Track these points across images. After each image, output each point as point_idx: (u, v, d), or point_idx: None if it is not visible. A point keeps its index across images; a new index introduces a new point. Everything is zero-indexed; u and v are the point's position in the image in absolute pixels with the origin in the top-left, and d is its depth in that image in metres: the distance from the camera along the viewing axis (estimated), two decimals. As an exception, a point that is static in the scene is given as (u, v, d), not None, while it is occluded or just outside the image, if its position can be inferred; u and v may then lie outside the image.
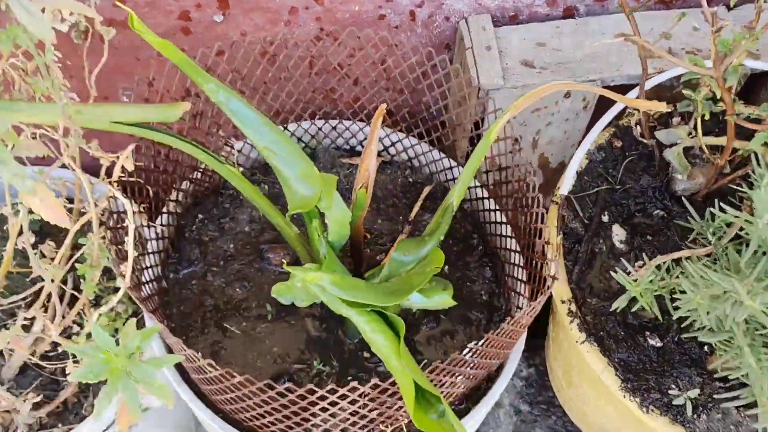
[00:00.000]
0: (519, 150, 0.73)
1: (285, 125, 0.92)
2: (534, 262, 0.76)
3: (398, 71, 0.86)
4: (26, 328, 0.85)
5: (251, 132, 0.61)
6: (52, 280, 0.72)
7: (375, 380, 0.61)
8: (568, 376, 0.90)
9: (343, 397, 0.63)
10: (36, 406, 0.89)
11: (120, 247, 0.70)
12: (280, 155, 0.61)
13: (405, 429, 0.73)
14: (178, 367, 0.81)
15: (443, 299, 0.63)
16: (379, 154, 1.01)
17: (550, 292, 0.71)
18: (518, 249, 0.84)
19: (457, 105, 0.83)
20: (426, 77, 0.85)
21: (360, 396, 0.63)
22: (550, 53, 0.83)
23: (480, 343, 0.64)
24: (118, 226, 0.72)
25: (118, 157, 0.66)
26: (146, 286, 0.79)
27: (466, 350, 0.64)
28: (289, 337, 0.83)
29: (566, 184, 0.79)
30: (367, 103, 0.91)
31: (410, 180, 0.99)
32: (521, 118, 0.86)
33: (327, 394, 0.61)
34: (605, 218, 0.81)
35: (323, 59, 0.86)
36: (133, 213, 0.67)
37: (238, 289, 0.87)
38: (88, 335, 0.78)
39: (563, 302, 0.76)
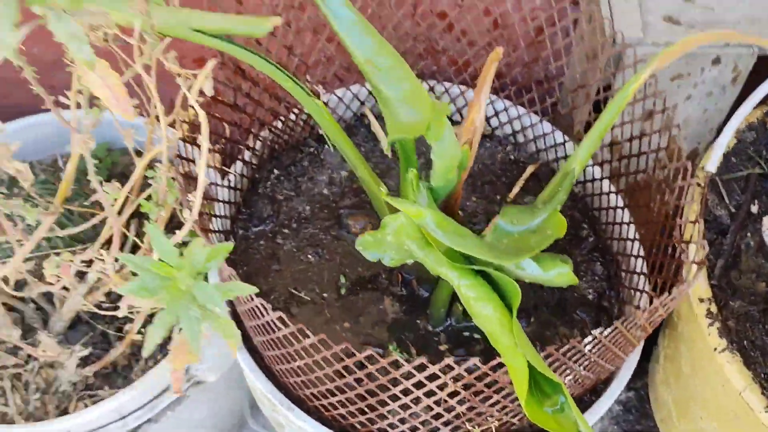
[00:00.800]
0: (663, 111, 0.61)
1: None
2: (666, 249, 0.63)
3: (513, 21, 0.76)
4: (82, 275, 0.78)
5: (350, 40, 0.51)
6: (119, 212, 0.64)
7: (474, 360, 0.49)
8: (683, 406, 0.75)
9: (432, 377, 0.51)
10: (83, 363, 0.81)
11: (190, 181, 0.61)
12: (382, 70, 0.51)
13: None
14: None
15: (563, 273, 0.51)
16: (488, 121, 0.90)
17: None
18: (639, 237, 0.72)
19: (583, 61, 0.72)
20: (547, 27, 0.74)
21: (452, 379, 0.51)
22: (700, 11, 0.70)
23: (607, 332, 0.52)
24: (191, 159, 0.63)
25: (196, 75, 0.57)
26: (213, 236, 0.70)
27: (588, 339, 0.52)
28: (362, 315, 0.73)
29: (712, 162, 0.66)
30: (473, 59, 0.81)
31: (511, 157, 0.88)
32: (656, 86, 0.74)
33: (414, 371, 0.50)
34: (755, 208, 0.67)
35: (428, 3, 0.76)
36: (207, 149, 0.59)
37: (310, 256, 0.77)
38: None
39: (701, 301, 0.62)
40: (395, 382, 0.53)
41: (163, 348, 0.85)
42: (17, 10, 0.39)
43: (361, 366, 0.52)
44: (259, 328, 0.57)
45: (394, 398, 0.55)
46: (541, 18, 0.72)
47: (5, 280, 0.74)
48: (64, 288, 0.77)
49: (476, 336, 0.71)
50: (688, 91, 0.73)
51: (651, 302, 0.65)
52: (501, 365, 0.48)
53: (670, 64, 0.60)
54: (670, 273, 0.61)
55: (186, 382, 0.84)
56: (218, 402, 0.97)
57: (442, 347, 0.71)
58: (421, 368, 0.50)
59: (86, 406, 0.81)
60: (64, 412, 0.81)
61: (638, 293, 0.69)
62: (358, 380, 0.53)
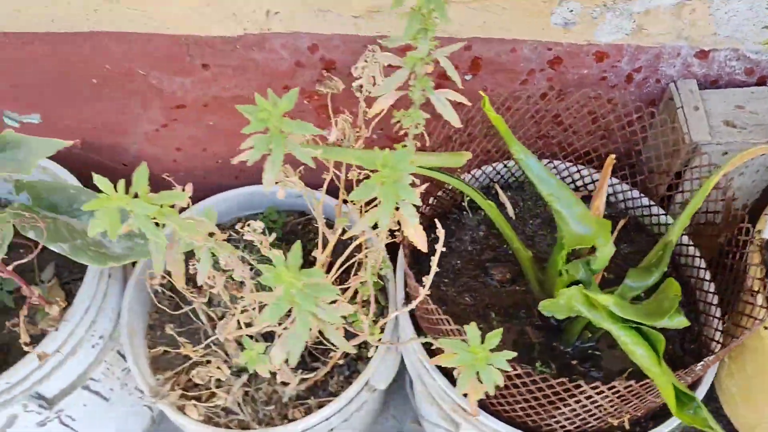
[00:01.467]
0: (733, 199, 0.89)
1: (505, 161, 1.10)
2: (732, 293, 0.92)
3: (607, 121, 1.04)
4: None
5: (539, 182, 0.80)
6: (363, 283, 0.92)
7: (622, 383, 0.79)
8: (746, 396, 1.03)
9: (600, 392, 0.81)
10: (300, 382, 1.11)
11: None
12: (561, 200, 0.79)
13: (626, 423, 0.91)
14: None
15: (681, 321, 0.79)
16: (577, 189, 1.18)
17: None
18: (710, 278, 1.00)
19: (663, 154, 1.00)
20: (631, 126, 1.02)
21: (613, 393, 0.81)
22: (747, 115, 0.98)
23: (699, 365, 0.80)
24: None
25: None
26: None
27: (702, 362, 0.81)
28: (512, 342, 1.01)
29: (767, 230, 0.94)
30: (576, 143, 1.09)
31: (605, 212, 1.16)
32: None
33: (589, 390, 0.79)
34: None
35: (546, 111, 1.04)
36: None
37: (467, 298, 1.06)
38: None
39: (766, 329, 0.91)
40: (569, 393, 0.82)
41: (351, 366, 1.15)
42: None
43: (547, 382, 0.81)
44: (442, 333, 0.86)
45: (565, 403, 0.85)
46: (631, 117, 1.01)
47: (248, 324, 1.03)
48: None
49: (597, 353, 1.01)
50: (741, 170, 1.01)
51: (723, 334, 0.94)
52: (648, 384, 0.77)
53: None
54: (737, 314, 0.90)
55: (371, 391, 1.13)
56: (378, 403, 1.28)
57: (573, 362, 1.00)
58: (594, 387, 0.79)
59: (301, 413, 1.10)
60: (285, 417, 1.10)
61: (716, 332, 0.98)
62: (539, 389, 0.82)
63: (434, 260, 0.80)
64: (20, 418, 1.11)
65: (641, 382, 0.80)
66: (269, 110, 0.61)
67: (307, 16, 0.93)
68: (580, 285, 0.82)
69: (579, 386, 0.80)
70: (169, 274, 0.69)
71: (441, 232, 0.78)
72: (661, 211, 1.07)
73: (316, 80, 1.03)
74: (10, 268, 0.83)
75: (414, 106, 0.69)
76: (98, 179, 0.50)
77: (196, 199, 1.10)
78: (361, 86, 0.89)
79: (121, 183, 0.55)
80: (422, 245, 0.72)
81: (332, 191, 1.01)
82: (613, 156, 0.95)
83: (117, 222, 0.49)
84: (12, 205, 0.94)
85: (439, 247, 0.82)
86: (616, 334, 0.78)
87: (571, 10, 0.90)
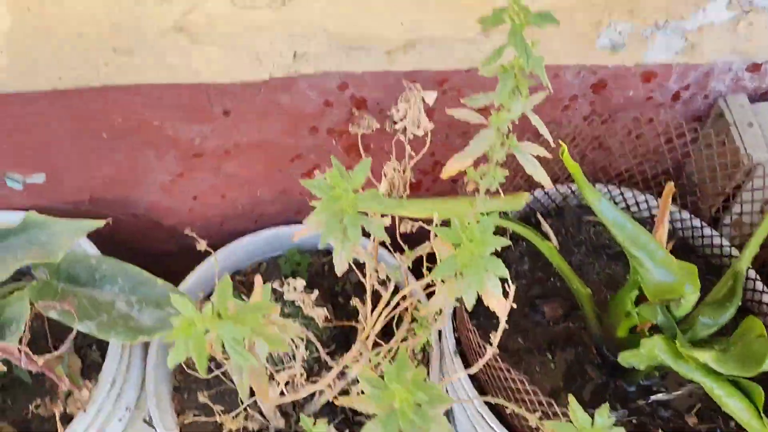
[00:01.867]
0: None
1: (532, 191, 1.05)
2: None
3: (650, 140, 0.99)
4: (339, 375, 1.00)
5: (613, 226, 0.74)
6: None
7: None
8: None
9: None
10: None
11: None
12: (640, 246, 0.73)
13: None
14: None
15: (772, 364, 0.74)
16: (629, 209, 1.13)
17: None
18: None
19: (714, 173, 0.95)
20: (675, 144, 0.97)
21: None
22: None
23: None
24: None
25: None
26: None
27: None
28: (575, 380, 0.96)
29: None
30: (614, 167, 1.04)
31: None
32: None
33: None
34: None
35: (587, 133, 0.98)
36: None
37: (519, 339, 1.00)
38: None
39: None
40: None
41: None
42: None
43: None
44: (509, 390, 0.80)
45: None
46: (670, 134, 0.96)
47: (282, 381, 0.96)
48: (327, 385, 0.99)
49: (662, 391, 0.95)
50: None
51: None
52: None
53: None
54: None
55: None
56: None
57: (640, 402, 0.94)
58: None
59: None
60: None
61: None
62: None
63: (503, 316, 0.74)
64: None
65: (741, 429, 0.75)
66: (343, 187, 0.54)
67: (336, 55, 0.87)
68: (661, 334, 0.77)
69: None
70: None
71: (511, 288, 0.72)
72: (714, 233, 1.01)
73: (346, 119, 0.97)
74: (40, 362, 0.75)
75: (491, 163, 0.63)
76: (176, 300, 0.43)
77: (212, 246, 1.04)
78: (405, 129, 0.83)
79: (207, 307, 0.47)
80: (503, 314, 0.66)
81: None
82: (671, 184, 0.89)
83: (204, 348, 0.43)
84: (32, 285, 0.85)
85: (509, 303, 0.76)
86: (708, 387, 0.72)
87: (620, 32, 0.84)
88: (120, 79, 0.88)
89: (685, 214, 1.04)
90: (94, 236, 1.06)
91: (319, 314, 0.90)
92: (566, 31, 0.84)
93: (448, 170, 0.64)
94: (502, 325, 0.64)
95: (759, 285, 0.94)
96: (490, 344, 0.78)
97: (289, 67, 0.87)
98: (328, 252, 1.23)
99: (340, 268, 0.60)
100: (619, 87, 0.93)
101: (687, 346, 0.70)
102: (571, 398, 0.63)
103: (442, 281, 0.64)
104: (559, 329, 1.01)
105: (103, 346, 1.10)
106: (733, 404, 0.70)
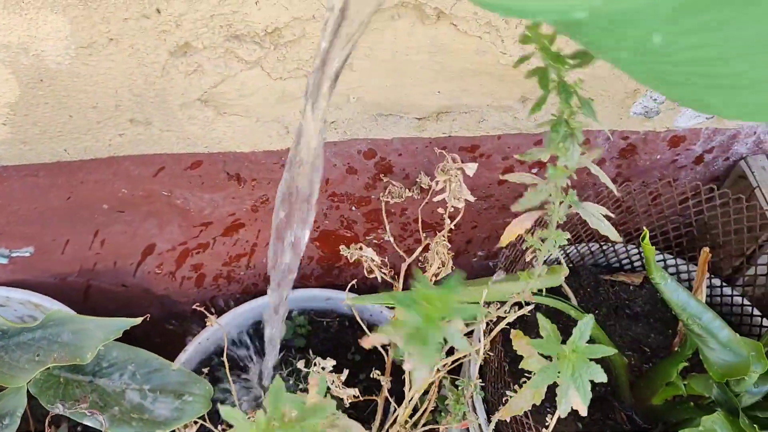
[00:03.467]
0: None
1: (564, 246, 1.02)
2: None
3: (670, 201, 0.98)
4: None
5: (677, 306, 0.72)
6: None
7: None
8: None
9: None
10: None
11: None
12: (704, 325, 0.72)
13: None
14: None
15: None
16: (634, 270, 1.12)
17: None
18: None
19: (737, 234, 0.96)
20: (696, 205, 0.98)
21: None
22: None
23: None
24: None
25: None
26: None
27: None
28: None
29: None
30: (632, 228, 1.03)
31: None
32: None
33: None
34: None
35: (607, 196, 0.97)
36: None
37: (546, 403, 0.97)
38: None
39: None
40: None
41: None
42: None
43: None
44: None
45: None
46: (688, 194, 0.96)
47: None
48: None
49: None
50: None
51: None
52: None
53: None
54: None
55: None
56: None
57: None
58: None
59: None
60: None
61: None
62: None
63: (583, 412, 0.71)
64: None
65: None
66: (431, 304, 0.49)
67: (365, 123, 0.83)
68: (719, 408, 0.75)
69: None
70: None
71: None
72: (735, 292, 1.02)
73: (368, 185, 0.92)
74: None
75: (551, 225, 0.60)
76: (228, 413, 0.37)
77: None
78: (445, 201, 0.79)
79: (259, 416, 0.42)
80: (584, 411, 0.63)
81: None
82: (707, 250, 0.89)
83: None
84: (35, 378, 0.77)
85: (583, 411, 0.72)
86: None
87: (655, 99, 0.84)
88: (131, 150, 0.81)
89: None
90: (66, 302, 0.98)
91: (349, 395, 0.84)
92: (602, 99, 0.83)
93: (507, 237, 0.61)
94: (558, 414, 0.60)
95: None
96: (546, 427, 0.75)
97: (317, 135, 0.82)
98: (334, 312, 1.17)
99: (418, 385, 0.55)
100: (647, 151, 0.92)
101: (751, 425, 0.68)
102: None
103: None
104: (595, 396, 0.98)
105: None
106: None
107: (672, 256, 1.05)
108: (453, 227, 0.85)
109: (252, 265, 1.08)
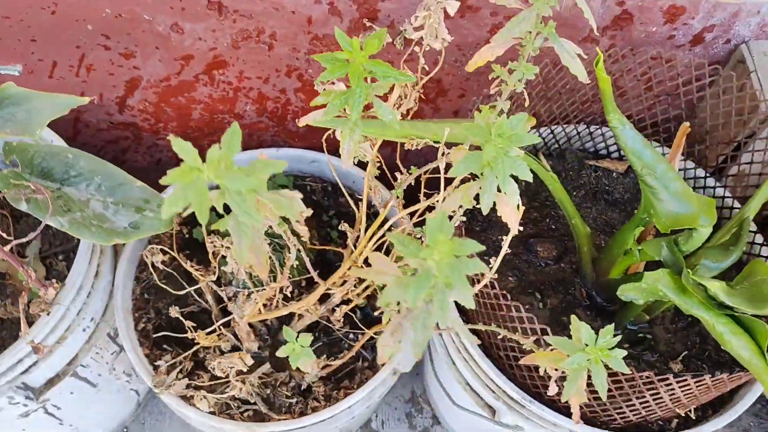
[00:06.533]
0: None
1: (552, 126, 1.00)
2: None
3: (664, 84, 0.95)
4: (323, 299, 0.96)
5: (632, 154, 0.70)
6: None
7: (719, 376, 0.71)
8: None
9: (685, 386, 0.73)
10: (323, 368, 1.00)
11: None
12: (657, 175, 0.70)
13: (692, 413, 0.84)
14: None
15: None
16: (621, 159, 1.09)
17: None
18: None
19: (726, 122, 0.93)
20: (690, 90, 0.94)
21: (698, 385, 0.73)
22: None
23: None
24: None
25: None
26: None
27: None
28: (561, 324, 0.93)
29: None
30: (624, 109, 1.00)
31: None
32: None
33: (675, 383, 0.72)
34: None
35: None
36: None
37: (510, 277, 0.97)
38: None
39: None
40: (650, 388, 0.74)
41: (374, 348, 1.05)
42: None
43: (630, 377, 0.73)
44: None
45: (640, 397, 0.77)
46: (687, 76, 0.92)
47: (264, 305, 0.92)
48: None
49: (648, 337, 0.93)
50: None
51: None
52: (738, 377, 0.70)
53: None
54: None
55: (393, 374, 1.04)
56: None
57: (625, 346, 0.92)
58: (681, 381, 0.71)
59: (321, 402, 1.00)
60: (305, 407, 1.00)
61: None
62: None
63: (506, 240, 0.70)
64: (3, 410, 0.98)
65: (732, 375, 0.73)
66: (352, 51, 0.49)
67: (349, -46, 0.80)
68: (665, 268, 0.74)
69: (665, 380, 0.72)
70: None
71: (519, 208, 0.68)
72: (717, 184, 0.99)
73: (352, 30, 0.91)
74: (6, 248, 0.69)
75: (522, 59, 0.58)
76: (177, 144, 0.38)
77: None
78: (422, 39, 0.77)
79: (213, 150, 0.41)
80: (514, 227, 0.62)
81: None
82: (687, 124, 0.86)
83: (206, 199, 0.37)
84: (1, 173, 0.79)
85: (515, 227, 0.72)
86: (710, 323, 0.70)
87: (653, -42, 0.80)
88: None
89: (690, 164, 1.01)
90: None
91: (304, 232, 0.85)
92: (595, -48, 0.79)
93: (476, 61, 0.59)
94: (513, 232, 0.60)
95: (759, 238, 0.93)
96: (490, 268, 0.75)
97: (298, -39, 0.81)
98: (318, 179, 1.17)
99: (346, 160, 0.55)
100: (642, 21, 0.88)
101: (693, 279, 0.68)
102: (573, 318, 0.60)
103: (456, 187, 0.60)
104: (551, 270, 0.98)
105: (69, 258, 1.05)
106: (735, 341, 0.68)
107: (658, 144, 1.02)
108: (432, 84, 0.84)
109: (232, 115, 1.08)
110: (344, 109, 0.55)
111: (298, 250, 0.82)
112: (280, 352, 0.75)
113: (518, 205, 0.59)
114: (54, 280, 0.84)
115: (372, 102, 0.59)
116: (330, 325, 1.02)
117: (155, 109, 1.07)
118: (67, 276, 0.92)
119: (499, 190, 0.57)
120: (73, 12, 0.89)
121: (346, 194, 0.93)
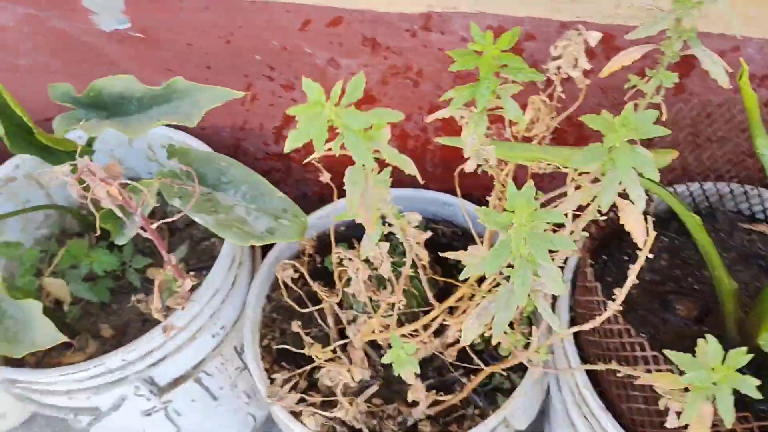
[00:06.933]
0: None
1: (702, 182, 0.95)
2: None
3: None
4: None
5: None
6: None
7: None
8: None
9: None
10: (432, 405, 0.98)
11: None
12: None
13: None
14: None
15: None
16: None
17: None
18: None
19: None
20: None
21: None
22: None
23: None
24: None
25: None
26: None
27: None
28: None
29: None
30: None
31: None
32: None
33: None
34: None
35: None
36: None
37: (643, 334, 0.90)
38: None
39: None
40: None
41: (488, 396, 1.01)
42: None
43: None
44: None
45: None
46: None
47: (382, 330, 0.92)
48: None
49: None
50: None
51: None
52: None
53: None
54: None
55: (505, 426, 0.98)
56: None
57: None
58: None
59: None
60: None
61: None
62: None
63: (634, 269, 0.66)
64: (128, 401, 1.04)
65: None
66: (485, 44, 0.50)
67: (497, -6, 0.84)
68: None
69: None
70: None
71: (650, 234, 0.64)
72: None
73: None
74: (154, 226, 0.77)
75: (661, 66, 0.57)
76: (306, 83, 0.41)
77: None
78: (559, 68, 0.78)
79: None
80: (640, 238, 0.59)
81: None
82: None
83: (324, 132, 0.40)
84: (162, 170, 0.88)
85: (645, 251, 0.68)
86: None
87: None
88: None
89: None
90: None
91: (423, 255, 0.85)
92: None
93: (612, 66, 0.59)
94: (644, 254, 0.57)
95: None
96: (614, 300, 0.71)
97: (449, 2, 0.86)
98: (450, 223, 1.18)
99: (468, 149, 0.55)
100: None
101: None
102: (699, 341, 0.55)
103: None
104: (690, 331, 0.90)
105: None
106: None
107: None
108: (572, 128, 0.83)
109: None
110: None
111: (415, 269, 0.83)
112: (386, 358, 0.74)
113: (645, 216, 0.56)
114: (192, 273, 0.91)
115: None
116: (444, 368, 1.01)
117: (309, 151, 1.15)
118: (208, 276, 0.99)
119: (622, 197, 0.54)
120: (246, 43, 1.00)
121: (476, 238, 0.93)
